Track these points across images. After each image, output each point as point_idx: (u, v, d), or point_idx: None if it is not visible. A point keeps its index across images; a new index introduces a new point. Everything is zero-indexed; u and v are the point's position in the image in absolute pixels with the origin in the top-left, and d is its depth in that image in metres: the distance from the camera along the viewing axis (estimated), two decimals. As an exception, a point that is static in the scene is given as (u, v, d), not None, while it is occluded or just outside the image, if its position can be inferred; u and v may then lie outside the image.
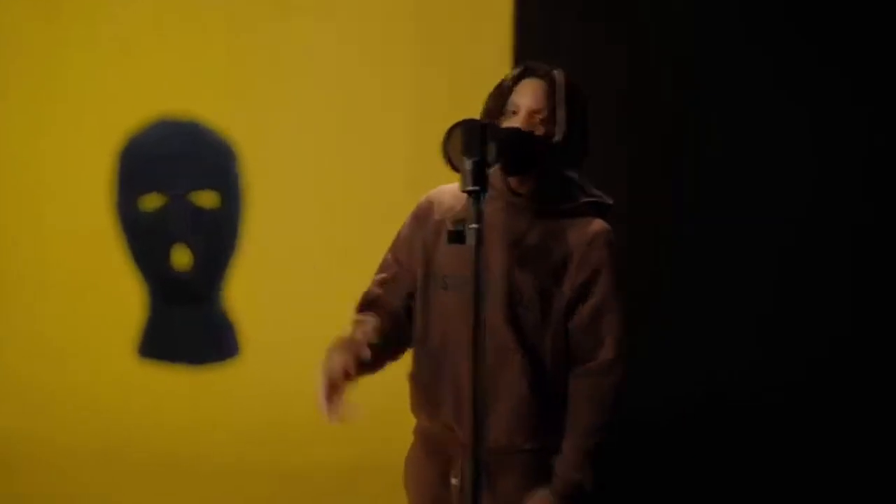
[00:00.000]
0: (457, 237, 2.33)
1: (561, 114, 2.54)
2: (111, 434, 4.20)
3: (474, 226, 2.28)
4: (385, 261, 2.76)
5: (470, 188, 2.32)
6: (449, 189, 2.70)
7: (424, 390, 2.65)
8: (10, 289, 4.35)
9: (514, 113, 2.56)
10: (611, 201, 2.67)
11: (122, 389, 4.27)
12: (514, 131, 2.53)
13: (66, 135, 4.31)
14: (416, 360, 2.70)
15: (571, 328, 2.58)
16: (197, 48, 4.36)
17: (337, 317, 3.99)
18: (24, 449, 4.18)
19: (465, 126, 2.40)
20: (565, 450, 2.52)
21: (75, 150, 4.32)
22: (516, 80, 2.58)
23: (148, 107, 4.35)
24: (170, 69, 4.34)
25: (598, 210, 2.64)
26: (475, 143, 2.35)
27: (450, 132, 2.42)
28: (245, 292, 4.42)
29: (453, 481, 2.56)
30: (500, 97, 2.57)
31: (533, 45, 4.14)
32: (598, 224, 2.62)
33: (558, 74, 2.57)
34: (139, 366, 4.32)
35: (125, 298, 4.35)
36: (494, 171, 2.44)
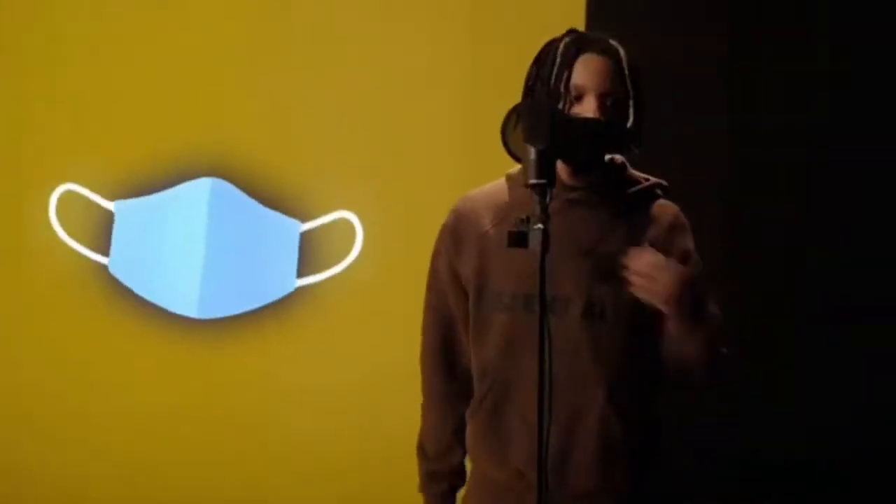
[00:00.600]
0: (518, 239, 1.97)
1: (631, 97, 2.20)
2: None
3: (539, 226, 1.94)
4: (427, 316, 2.42)
5: (535, 181, 1.97)
6: (479, 193, 2.37)
7: (488, 433, 2.27)
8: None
9: (579, 98, 2.18)
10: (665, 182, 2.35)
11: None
12: (595, 122, 2.16)
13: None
14: (477, 398, 2.31)
15: None
16: (226, 24, 4.10)
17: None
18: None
19: (529, 109, 2.07)
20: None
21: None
22: (574, 55, 2.19)
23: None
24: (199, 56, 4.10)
25: (657, 192, 2.34)
26: (541, 128, 1.99)
27: (510, 116, 2.10)
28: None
29: None
30: (555, 76, 2.18)
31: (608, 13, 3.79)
32: (668, 207, 2.31)
33: (622, 49, 2.21)
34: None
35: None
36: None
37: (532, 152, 1.98)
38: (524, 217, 1.97)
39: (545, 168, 1.97)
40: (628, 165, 2.33)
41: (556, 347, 2.02)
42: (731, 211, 3.92)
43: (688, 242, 2.29)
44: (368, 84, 4.00)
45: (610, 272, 2.17)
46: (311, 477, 3.99)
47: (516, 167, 2.29)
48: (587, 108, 2.16)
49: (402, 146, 3.99)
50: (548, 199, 1.96)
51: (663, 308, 2.11)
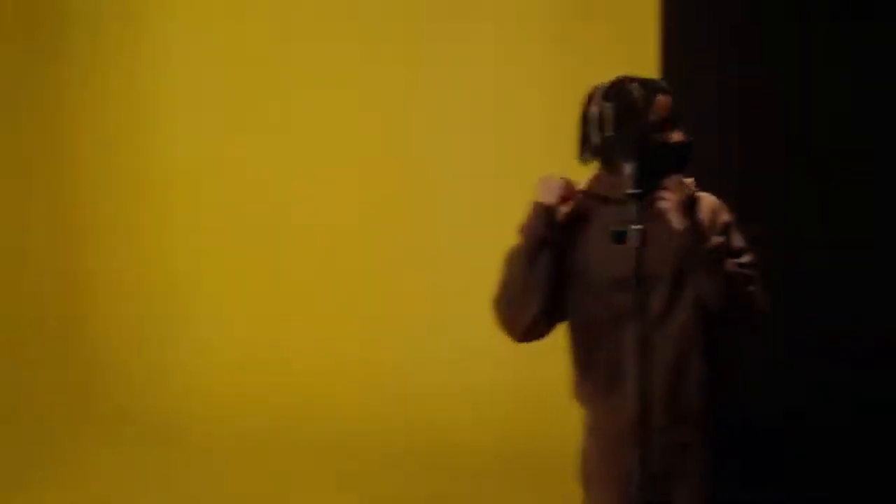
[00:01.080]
0: (620, 237, 2.49)
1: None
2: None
3: (637, 227, 2.46)
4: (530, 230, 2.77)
5: (632, 191, 2.51)
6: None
7: (608, 390, 2.74)
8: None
9: (664, 127, 2.70)
10: None
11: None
12: (682, 145, 2.71)
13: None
14: (588, 359, 2.80)
15: None
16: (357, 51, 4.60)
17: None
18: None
19: (632, 136, 2.62)
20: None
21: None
22: (653, 95, 2.73)
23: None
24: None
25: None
26: (639, 150, 2.57)
27: (613, 136, 2.66)
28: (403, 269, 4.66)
29: (650, 469, 2.61)
30: (642, 112, 2.70)
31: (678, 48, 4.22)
32: (707, 198, 2.81)
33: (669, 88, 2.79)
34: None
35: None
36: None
37: (629, 168, 2.53)
38: (624, 219, 2.49)
39: (640, 181, 2.52)
40: None
41: (656, 315, 2.62)
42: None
43: (726, 217, 2.79)
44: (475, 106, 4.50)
45: (686, 250, 2.66)
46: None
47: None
48: (676, 135, 2.71)
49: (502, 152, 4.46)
50: (643, 205, 2.50)
51: (670, 217, 2.62)
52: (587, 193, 2.79)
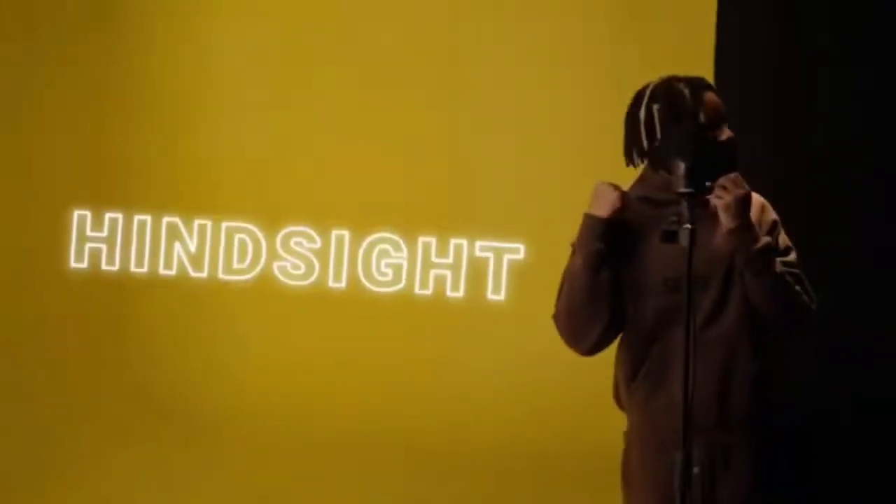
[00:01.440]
0: (670, 237, 2.45)
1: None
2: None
3: (688, 226, 2.43)
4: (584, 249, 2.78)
5: (685, 190, 2.50)
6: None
7: (658, 394, 2.72)
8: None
9: (712, 125, 2.72)
10: None
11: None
12: (732, 142, 2.74)
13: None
14: (636, 366, 2.76)
15: None
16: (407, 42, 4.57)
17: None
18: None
19: (686, 135, 2.63)
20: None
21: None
22: (701, 94, 2.75)
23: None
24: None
25: None
26: (693, 149, 2.56)
27: (663, 136, 2.67)
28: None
29: (695, 470, 2.53)
30: (693, 110, 2.71)
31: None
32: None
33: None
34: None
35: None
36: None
37: (682, 167, 2.52)
38: (674, 218, 2.47)
39: (692, 180, 2.51)
40: None
41: (706, 315, 2.61)
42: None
43: (772, 215, 2.78)
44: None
45: (737, 250, 2.66)
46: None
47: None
48: (725, 133, 2.74)
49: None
50: (695, 205, 2.47)
51: (722, 215, 2.62)
52: (635, 197, 2.78)
